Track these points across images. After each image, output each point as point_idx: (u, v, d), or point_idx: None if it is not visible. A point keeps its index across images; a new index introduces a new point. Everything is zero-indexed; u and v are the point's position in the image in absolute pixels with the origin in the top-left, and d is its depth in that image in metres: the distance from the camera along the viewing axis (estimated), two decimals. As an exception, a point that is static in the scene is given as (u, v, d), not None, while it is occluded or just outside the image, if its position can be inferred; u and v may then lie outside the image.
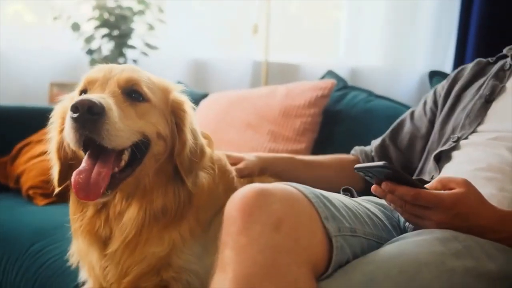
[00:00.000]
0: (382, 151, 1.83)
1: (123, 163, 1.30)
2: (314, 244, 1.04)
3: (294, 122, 2.33)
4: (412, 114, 1.84)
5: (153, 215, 1.34)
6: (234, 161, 1.63)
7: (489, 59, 1.69)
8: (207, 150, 1.45)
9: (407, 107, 2.34)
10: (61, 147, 1.42)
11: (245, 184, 1.53)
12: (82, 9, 3.00)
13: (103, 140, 1.21)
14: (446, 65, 3.68)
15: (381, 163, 1.12)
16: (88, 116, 1.19)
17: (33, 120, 2.66)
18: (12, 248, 1.86)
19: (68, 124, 1.22)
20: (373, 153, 1.85)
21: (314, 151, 2.29)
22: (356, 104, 2.41)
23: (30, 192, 2.26)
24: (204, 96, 2.84)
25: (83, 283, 1.51)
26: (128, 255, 1.34)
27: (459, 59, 3.59)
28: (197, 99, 2.78)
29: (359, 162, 1.83)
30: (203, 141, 1.45)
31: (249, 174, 1.64)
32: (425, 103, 1.80)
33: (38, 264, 1.74)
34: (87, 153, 1.29)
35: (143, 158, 1.33)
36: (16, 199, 2.29)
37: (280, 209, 1.02)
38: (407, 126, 1.82)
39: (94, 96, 1.23)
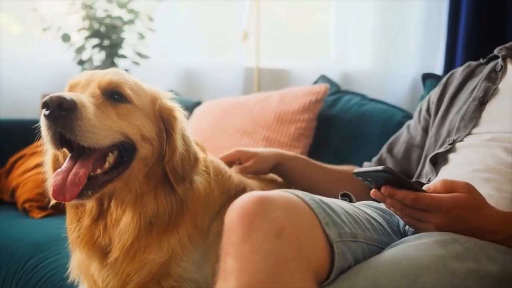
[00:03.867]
0: (379, 164, 1.85)
1: (107, 165, 1.30)
2: (316, 251, 1.04)
3: (289, 128, 2.34)
4: (408, 125, 1.87)
5: (148, 220, 1.33)
6: (247, 157, 1.71)
7: (480, 60, 1.70)
8: (200, 156, 1.45)
9: (401, 110, 2.36)
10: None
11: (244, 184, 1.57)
12: (72, 20, 2.98)
13: (76, 137, 1.20)
14: (437, 67, 3.70)
15: (380, 167, 1.12)
16: (59, 112, 1.18)
17: (26, 132, 2.63)
18: (9, 264, 1.84)
19: (42, 122, 1.23)
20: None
21: (310, 156, 2.28)
22: (350, 108, 2.41)
23: (26, 205, 2.24)
24: (198, 104, 2.84)
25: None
26: (128, 263, 1.34)
27: (450, 61, 3.61)
28: (190, 107, 2.78)
29: None
30: (196, 148, 1.45)
31: (256, 172, 1.72)
32: (419, 111, 1.82)
33: (35, 279, 1.72)
34: (69, 155, 1.29)
35: (131, 162, 1.32)
36: (12, 212, 2.28)
37: (281, 216, 1.02)
38: (404, 136, 1.85)
39: (66, 93, 1.23)
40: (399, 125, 2.03)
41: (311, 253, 1.03)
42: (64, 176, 1.24)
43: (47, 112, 1.19)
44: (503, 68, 1.57)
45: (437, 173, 1.50)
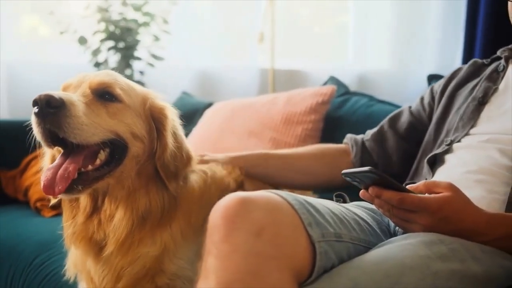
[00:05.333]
0: (379, 138, 1.81)
1: (98, 162, 1.33)
2: (297, 250, 1.05)
3: (295, 129, 2.35)
4: (409, 108, 1.83)
5: (140, 215, 1.37)
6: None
7: (484, 60, 1.70)
8: (193, 154, 1.48)
9: (408, 111, 2.34)
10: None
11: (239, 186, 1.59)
12: (88, 23, 3.03)
13: (65, 134, 1.23)
14: (455, 67, 3.65)
15: (366, 168, 1.13)
16: (48, 110, 1.21)
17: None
18: (17, 261, 1.89)
19: (32, 120, 1.26)
20: (368, 141, 1.82)
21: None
22: (357, 110, 2.41)
23: (38, 204, 2.30)
24: (209, 105, 2.86)
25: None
26: (122, 256, 1.37)
27: (467, 61, 3.56)
28: (202, 108, 2.81)
29: (348, 151, 1.82)
30: (189, 146, 1.48)
31: None
32: (422, 99, 1.80)
33: (40, 277, 1.77)
34: (62, 152, 1.32)
35: (122, 159, 1.36)
36: (25, 211, 2.33)
37: (262, 216, 1.03)
38: (406, 116, 1.81)
39: (55, 92, 1.26)
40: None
41: (292, 253, 1.04)
42: (54, 171, 1.28)
43: (36, 110, 1.23)
44: (505, 69, 1.56)
45: (433, 174, 1.50)
